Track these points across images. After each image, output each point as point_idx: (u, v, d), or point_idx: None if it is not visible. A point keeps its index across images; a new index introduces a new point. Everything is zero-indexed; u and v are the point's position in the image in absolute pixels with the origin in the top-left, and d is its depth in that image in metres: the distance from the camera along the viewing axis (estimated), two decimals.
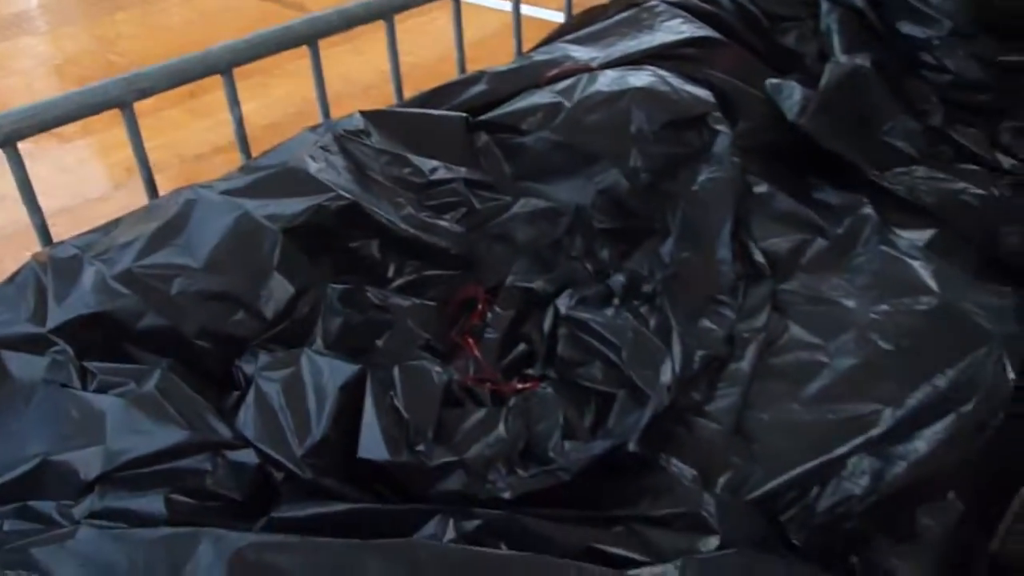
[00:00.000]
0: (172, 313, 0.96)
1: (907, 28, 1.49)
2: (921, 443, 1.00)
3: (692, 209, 1.19)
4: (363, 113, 1.25)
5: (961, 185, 1.29)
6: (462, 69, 1.59)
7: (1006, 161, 1.36)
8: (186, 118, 2.95)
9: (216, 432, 0.86)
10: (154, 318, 0.95)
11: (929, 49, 1.47)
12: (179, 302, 0.96)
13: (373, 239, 1.09)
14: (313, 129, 1.25)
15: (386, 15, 1.50)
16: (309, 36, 1.40)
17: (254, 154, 1.26)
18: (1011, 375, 1.05)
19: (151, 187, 1.26)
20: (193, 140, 2.90)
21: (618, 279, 1.13)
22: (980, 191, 1.29)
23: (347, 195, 1.06)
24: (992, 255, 1.27)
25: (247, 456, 0.85)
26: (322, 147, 1.13)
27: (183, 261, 0.98)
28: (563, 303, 1.08)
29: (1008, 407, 1.06)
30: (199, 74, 1.29)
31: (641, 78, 1.31)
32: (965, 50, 1.44)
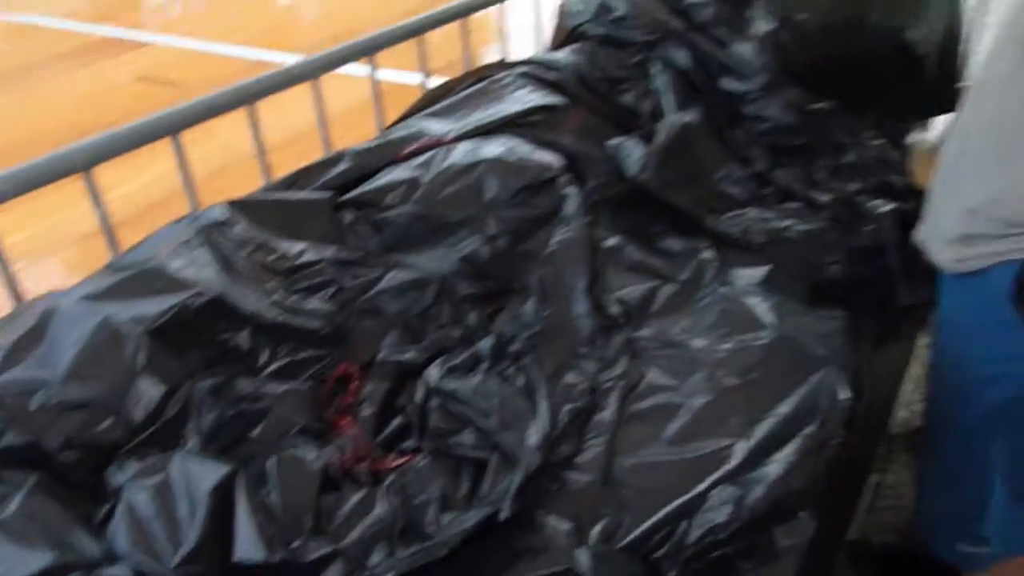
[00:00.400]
0: (34, 428, 0.87)
1: (727, 84, 1.52)
2: (773, 467, 1.00)
3: (549, 269, 1.17)
4: (228, 203, 1.18)
5: (787, 223, 1.33)
6: (327, 147, 1.55)
7: (823, 197, 1.40)
8: (78, 196, 2.78)
9: (86, 551, 0.78)
10: (15, 436, 0.86)
11: (748, 101, 1.51)
12: (41, 417, 0.87)
13: (241, 329, 1.02)
14: (177, 221, 1.18)
15: (248, 102, 1.44)
16: (170, 129, 1.33)
17: (134, 237, 1.18)
18: (845, 395, 1.07)
19: (13, 294, 1.16)
20: (86, 219, 2.73)
21: (485, 343, 1.10)
22: (803, 227, 1.33)
23: (211, 290, 1.00)
24: (818, 283, 1.30)
25: (120, 572, 0.77)
26: (184, 242, 1.06)
27: (43, 375, 0.89)
28: (433, 374, 1.04)
29: (846, 424, 1.09)
30: (57, 175, 1.21)
31: (493, 149, 1.29)
32: (779, 100, 1.48)
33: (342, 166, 1.35)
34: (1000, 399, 1.13)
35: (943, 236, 1.16)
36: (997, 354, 1.12)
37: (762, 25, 1.51)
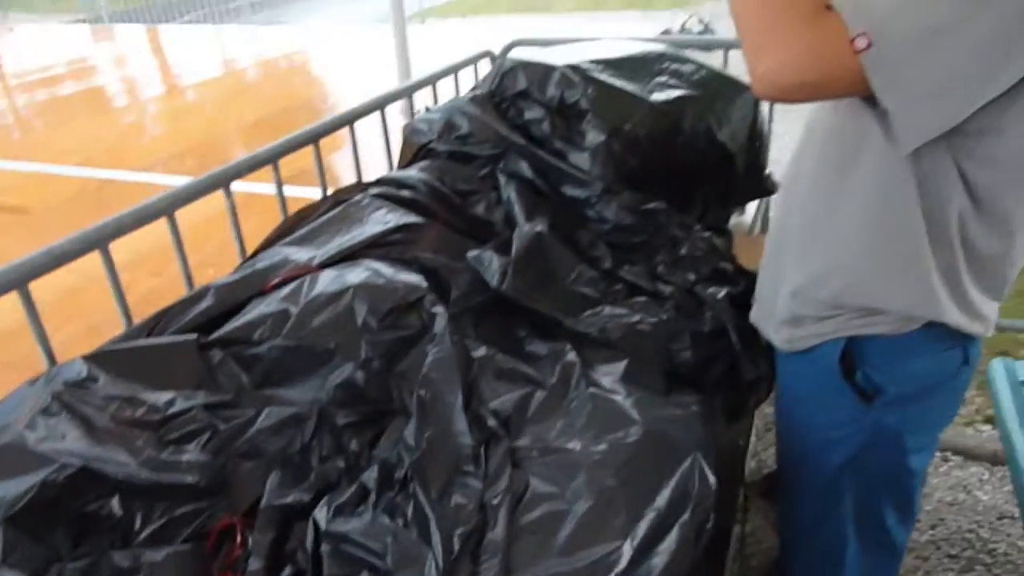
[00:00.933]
0: None
1: (570, 191, 1.57)
2: (658, 560, 0.99)
3: (425, 389, 1.14)
4: (86, 358, 1.08)
5: (637, 317, 1.36)
6: (190, 285, 1.45)
7: (665, 289, 1.45)
8: None
9: None
10: None
11: (589, 205, 1.56)
12: None
13: (111, 496, 0.92)
14: (32, 383, 1.06)
15: (100, 245, 1.34)
16: (17, 281, 1.21)
17: None
18: (712, 479, 1.09)
19: None
20: None
21: (371, 474, 1.04)
22: (652, 319, 1.36)
23: (74, 461, 0.89)
24: (671, 370, 1.33)
25: None
26: (42, 411, 0.95)
27: None
28: (321, 516, 0.97)
29: (715, 507, 1.10)
30: None
31: (358, 274, 1.26)
32: (617, 203, 1.54)
33: (205, 303, 1.28)
34: (842, 460, 1.19)
35: (774, 319, 1.22)
36: (834, 420, 1.18)
37: (594, 137, 1.57)
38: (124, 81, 7.59)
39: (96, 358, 1.08)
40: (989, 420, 2.38)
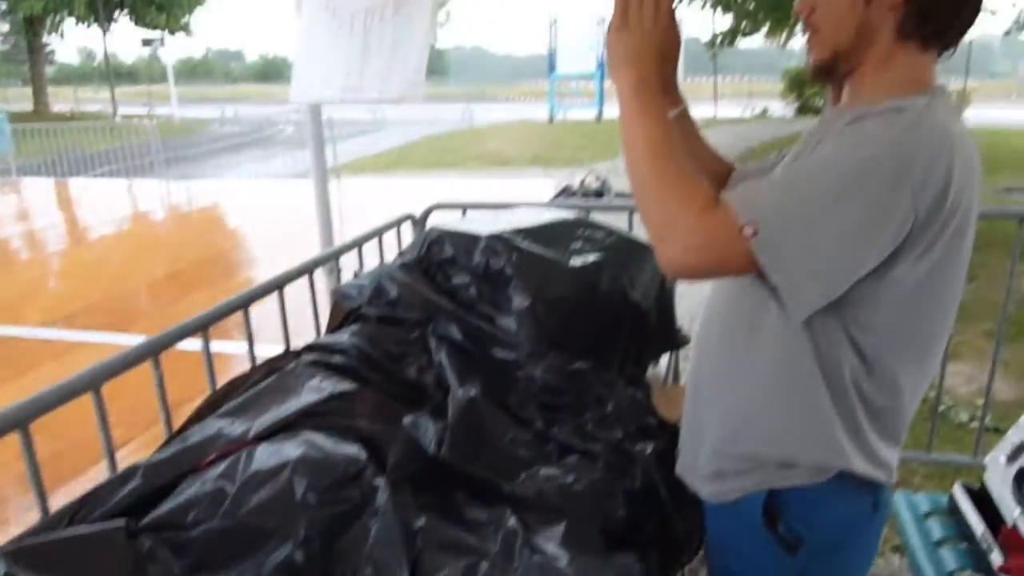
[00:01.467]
0: None
1: (499, 354, 1.61)
2: None
3: (370, 568, 1.10)
4: (4, 555, 0.99)
5: (571, 478, 1.36)
6: (112, 465, 1.37)
7: (595, 447, 1.47)
8: None
9: None
10: None
11: (519, 367, 1.59)
12: None
13: None
14: None
15: (20, 425, 1.26)
16: None
17: None
18: None
19: None
20: None
21: None
22: (586, 479, 1.37)
23: None
24: (608, 529, 1.33)
25: None
26: None
27: None
28: None
29: None
30: None
31: (296, 448, 1.23)
32: (543, 365, 1.58)
33: (133, 484, 1.21)
34: None
35: (698, 473, 1.26)
36: (761, 570, 1.20)
37: (520, 301, 1.63)
38: (27, 235, 7.36)
39: (15, 555, 0.99)
40: (897, 549, 2.45)
